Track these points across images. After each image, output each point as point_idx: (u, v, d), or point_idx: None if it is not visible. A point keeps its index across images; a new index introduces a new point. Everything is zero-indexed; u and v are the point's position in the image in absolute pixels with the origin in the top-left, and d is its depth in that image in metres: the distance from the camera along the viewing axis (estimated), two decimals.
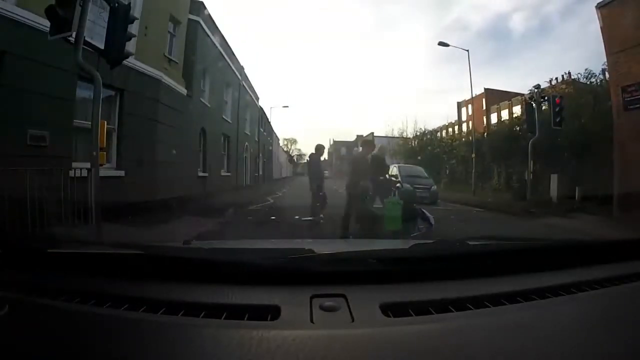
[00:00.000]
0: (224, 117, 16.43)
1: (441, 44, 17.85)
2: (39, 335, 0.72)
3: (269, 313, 0.78)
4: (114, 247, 1.07)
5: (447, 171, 23.72)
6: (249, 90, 22.56)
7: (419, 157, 24.28)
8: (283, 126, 67.26)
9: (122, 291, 0.86)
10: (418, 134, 29.25)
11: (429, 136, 28.93)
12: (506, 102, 27.66)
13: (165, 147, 9.46)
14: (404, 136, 30.46)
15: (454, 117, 35.56)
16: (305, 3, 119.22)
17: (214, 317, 0.77)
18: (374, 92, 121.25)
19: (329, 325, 0.76)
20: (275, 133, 40.27)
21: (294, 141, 74.16)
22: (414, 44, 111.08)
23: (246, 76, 21.48)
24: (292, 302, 0.82)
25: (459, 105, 35.41)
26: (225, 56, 16.45)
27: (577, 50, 59.48)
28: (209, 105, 13.84)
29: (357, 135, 62.28)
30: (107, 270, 0.96)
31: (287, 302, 0.81)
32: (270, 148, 35.20)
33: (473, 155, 16.81)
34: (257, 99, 26.52)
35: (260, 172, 27.55)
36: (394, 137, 31.42)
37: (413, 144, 28.72)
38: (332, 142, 71.93)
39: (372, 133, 48.32)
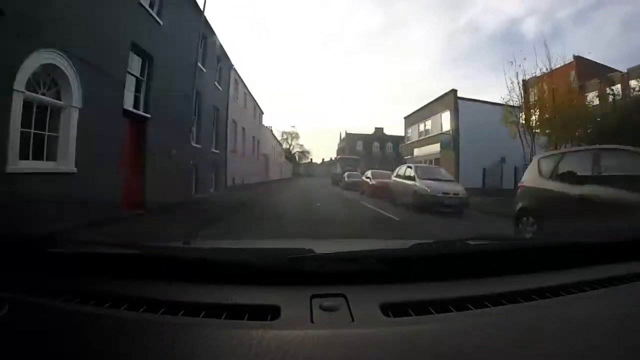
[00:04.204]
0: None
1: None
2: (39, 335, 0.72)
3: (269, 313, 0.78)
4: (114, 247, 1.07)
5: None
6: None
7: None
8: (284, 127, 59.07)
9: (122, 291, 0.86)
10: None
11: None
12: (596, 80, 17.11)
13: None
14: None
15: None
16: (310, 2, 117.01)
17: (214, 317, 0.77)
18: (378, 93, 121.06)
19: (329, 325, 0.76)
20: (265, 126, 31.58)
21: (295, 135, 63.00)
22: (426, 44, 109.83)
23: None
24: (292, 302, 0.82)
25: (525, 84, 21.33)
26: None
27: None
28: None
29: (376, 128, 54.52)
30: (107, 270, 0.96)
31: (287, 302, 0.82)
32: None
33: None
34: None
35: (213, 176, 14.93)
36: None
37: None
38: (343, 136, 57.53)
39: (382, 129, 48.72)
